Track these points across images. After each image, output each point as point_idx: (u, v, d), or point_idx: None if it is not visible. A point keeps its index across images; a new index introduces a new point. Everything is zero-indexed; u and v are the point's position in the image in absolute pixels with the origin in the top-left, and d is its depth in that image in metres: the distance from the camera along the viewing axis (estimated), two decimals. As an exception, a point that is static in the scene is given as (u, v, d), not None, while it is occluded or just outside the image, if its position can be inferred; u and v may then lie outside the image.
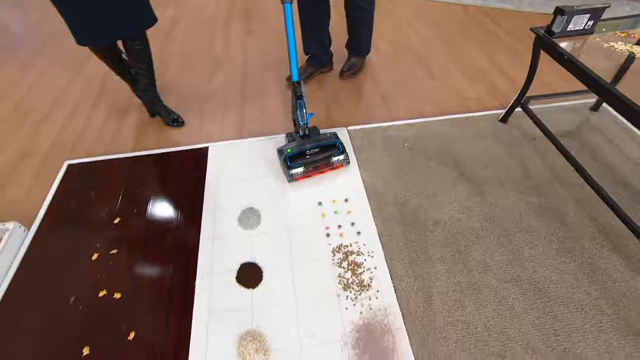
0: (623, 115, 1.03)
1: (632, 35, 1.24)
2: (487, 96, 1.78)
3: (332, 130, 1.55)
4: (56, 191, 1.47)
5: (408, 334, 1.03)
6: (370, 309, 1.08)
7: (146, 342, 1.06)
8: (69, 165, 1.57)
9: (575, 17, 1.20)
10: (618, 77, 1.14)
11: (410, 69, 1.98)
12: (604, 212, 1.25)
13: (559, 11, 1.19)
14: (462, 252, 1.20)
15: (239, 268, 1.19)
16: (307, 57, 1.95)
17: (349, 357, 1.00)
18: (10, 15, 2.90)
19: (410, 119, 1.67)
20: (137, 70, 1.58)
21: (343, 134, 1.59)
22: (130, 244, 1.28)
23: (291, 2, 1.26)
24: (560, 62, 1.20)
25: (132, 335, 1.07)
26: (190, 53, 2.23)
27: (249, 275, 1.17)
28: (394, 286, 1.13)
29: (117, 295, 1.15)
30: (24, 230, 1.34)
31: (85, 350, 1.05)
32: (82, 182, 1.51)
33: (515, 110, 1.59)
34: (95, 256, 1.25)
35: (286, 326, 1.06)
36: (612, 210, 1.15)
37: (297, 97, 1.41)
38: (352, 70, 1.96)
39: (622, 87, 1.02)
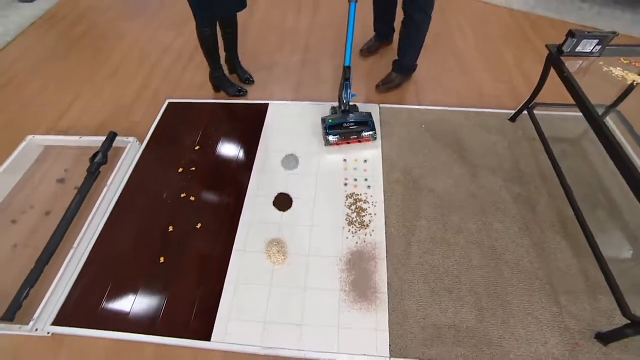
0: (599, 140, 1.09)
1: (634, 64, 1.29)
2: (506, 96, 1.86)
3: (368, 109, 1.73)
4: (159, 120, 1.81)
5: (387, 264, 1.28)
6: (364, 241, 1.34)
7: (208, 231, 1.40)
8: (169, 103, 1.90)
9: (584, 41, 1.26)
10: (616, 102, 1.21)
11: (445, 62, 2.07)
12: (568, 208, 1.37)
13: (570, 33, 1.26)
14: (445, 216, 1.40)
15: (276, 195, 1.48)
16: (375, 33, 2.10)
17: (340, 270, 1.27)
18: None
19: (432, 106, 1.81)
20: (227, 34, 1.82)
21: (375, 110, 1.77)
22: (204, 165, 1.61)
23: (356, 2, 1.40)
24: (560, 78, 1.29)
25: (199, 225, 1.41)
26: (265, 25, 2.43)
27: (282, 201, 1.46)
28: (385, 230, 1.36)
29: (192, 198, 1.49)
30: (139, 144, 1.71)
31: (170, 228, 1.40)
32: (176, 116, 1.84)
33: (524, 113, 1.68)
34: (180, 170, 1.60)
35: (302, 240, 1.35)
36: (572, 207, 1.29)
37: (345, 79, 1.58)
38: (388, 86, 1.88)
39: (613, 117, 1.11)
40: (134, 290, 1.26)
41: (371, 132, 1.60)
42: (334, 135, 1.59)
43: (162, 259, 1.32)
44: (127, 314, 1.21)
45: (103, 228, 1.42)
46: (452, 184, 1.50)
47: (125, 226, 1.43)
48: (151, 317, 1.20)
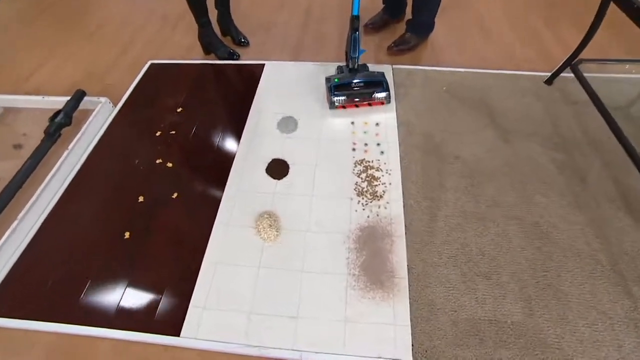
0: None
1: None
2: (538, 59, 1.56)
3: (380, 69, 1.44)
4: (139, 81, 1.53)
5: (406, 241, 0.99)
6: (377, 215, 1.05)
7: (185, 201, 1.11)
8: (151, 64, 1.61)
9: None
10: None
11: (465, 27, 1.77)
12: (630, 178, 1.08)
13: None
14: (475, 186, 1.11)
15: (270, 162, 1.19)
16: (383, 6, 1.76)
17: (348, 249, 0.98)
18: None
19: (454, 67, 1.51)
20: None
21: (387, 70, 1.48)
22: (186, 129, 1.32)
23: None
24: (630, 14, 0.99)
25: (175, 194, 1.12)
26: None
27: (277, 168, 1.17)
28: (403, 202, 1.08)
29: (170, 165, 1.21)
30: (112, 107, 1.42)
31: (140, 198, 1.12)
32: (159, 77, 1.55)
33: (562, 75, 1.39)
34: (158, 133, 1.31)
35: (299, 213, 1.06)
36: (641, 173, 0.99)
37: (353, 30, 1.29)
38: (402, 47, 1.58)
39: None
40: (89, 273, 0.97)
41: (385, 94, 1.31)
42: (339, 96, 1.30)
43: (127, 235, 1.04)
44: (77, 302, 0.92)
45: (60, 199, 1.14)
46: (482, 150, 1.21)
47: (87, 196, 1.14)
48: (108, 306, 0.91)
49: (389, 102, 1.34)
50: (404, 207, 1.06)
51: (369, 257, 0.97)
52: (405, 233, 1.01)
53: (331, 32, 1.77)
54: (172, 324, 0.88)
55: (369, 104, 1.34)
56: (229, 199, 1.10)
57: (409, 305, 0.88)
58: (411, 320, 0.86)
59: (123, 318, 0.89)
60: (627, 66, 1.35)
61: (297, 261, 0.97)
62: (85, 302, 0.92)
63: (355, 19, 1.27)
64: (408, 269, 0.94)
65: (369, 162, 1.17)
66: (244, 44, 1.71)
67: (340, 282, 0.93)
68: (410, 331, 0.84)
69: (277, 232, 1.01)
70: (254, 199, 1.10)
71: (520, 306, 0.88)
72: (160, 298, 0.92)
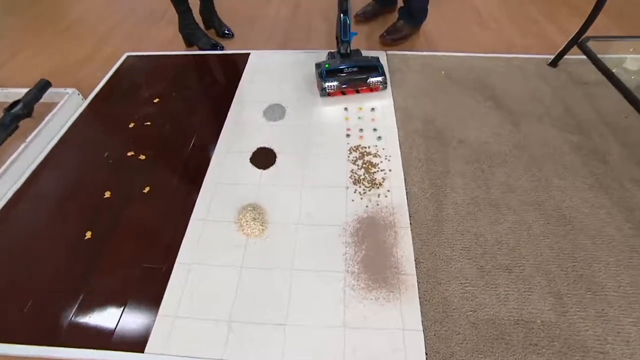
0: None
1: None
2: (539, 47, 1.46)
3: (374, 54, 1.33)
4: (113, 73, 1.39)
5: (412, 233, 0.85)
6: (378, 205, 0.91)
7: (158, 195, 0.96)
8: (128, 56, 1.48)
9: None
10: None
11: (461, 18, 1.68)
12: (656, 157, 0.97)
13: None
14: (485, 171, 0.98)
15: (255, 150, 1.05)
16: None
17: (345, 243, 0.84)
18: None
19: (451, 52, 1.41)
20: None
21: (382, 56, 1.37)
22: (162, 120, 1.18)
23: None
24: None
25: (147, 189, 0.97)
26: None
27: (263, 157, 1.03)
28: (406, 189, 0.94)
29: (142, 157, 1.06)
30: (82, 99, 1.28)
31: (107, 194, 0.97)
32: (136, 69, 1.42)
33: (566, 57, 1.29)
34: (131, 125, 1.17)
35: (288, 205, 0.92)
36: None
37: (342, 11, 1.17)
38: (395, 36, 1.46)
39: None
40: (39, 281, 0.81)
41: (380, 78, 1.19)
42: (331, 82, 1.18)
43: (88, 234, 0.88)
44: (21, 315, 0.76)
45: (13, 195, 0.98)
46: (488, 134, 1.08)
47: (44, 194, 0.99)
48: (58, 319, 0.75)
49: (385, 87, 1.22)
50: (407, 195, 0.93)
51: (370, 252, 0.82)
52: (411, 223, 0.87)
53: (320, 24, 1.66)
54: (136, 338, 0.71)
55: (364, 90, 1.21)
56: (207, 192, 0.95)
57: (419, 305, 0.73)
58: (423, 323, 0.71)
59: (76, 333, 0.73)
60: (632, 49, 1.25)
61: (286, 258, 0.82)
62: (31, 315, 0.75)
63: (343, 0, 1.16)
64: (416, 264, 0.80)
65: (365, 147, 1.04)
66: (228, 36, 1.60)
67: (337, 282, 0.78)
68: (422, 337, 0.69)
69: (262, 226, 0.87)
70: (236, 191, 0.95)
71: (550, 303, 0.73)
72: (123, 307, 0.76)
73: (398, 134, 1.08)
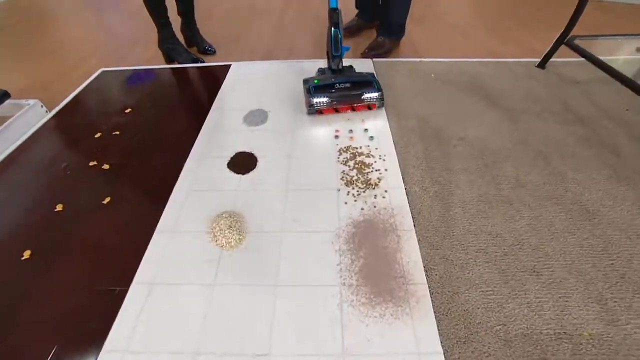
0: None
1: None
2: (522, 54, 1.42)
3: (359, 63, 1.25)
4: (85, 87, 1.28)
5: (417, 235, 0.71)
6: (375, 206, 0.77)
7: (118, 206, 0.80)
8: (103, 71, 1.38)
9: None
10: None
11: (443, 32, 1.66)
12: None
13: None
14: (490, 167, 0.86)
15: (233, 155, 0.92)
16: (357, 11, 1.63)
17: (339, 251, 0.69)
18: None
19: (439, 58, 1.35)
20: None
21: (367, 64, 1.30)
22: (132, 129, 1.05)
23: None
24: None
25: (107, 199, 0.82)
26: (234, 7, 2.03)
27: (242, 162, 0.90)
28: (406, 189, 0.81)
29: (106, 167, 0.91)
30: (46, 111, 1.15)
31: (59, 207, 0.81)
32: (110, 83, 1.31)
33: (553, 60, 1.24)
34: (98, 135, 1.03)
35: (271, 211, 0.77)
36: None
37: (333, 24, 1.03)
38: (378, 51, 1.40)
39: None
40: (-47, 311, 0.62)
41: (376, 94, 1.03)
42: (320, 97, 1.01)
43: (26, 254, 0.71)
44: None
45: (-55, 215, 0.81)
46: (488, 131, 0.98)
47: (-15, 210, 0.82)
48: (-29, 361, 0.56)
49: (381, 105, 1.05)
50: (407, 195, 0.79)
51: (370, 260, 0.67)
52: (414, 225, 0.73)
53: (304, 44, 1.60)
54: (70, 383, 0.53)
55: (358, 107, 1.05)
56: (177, 201, 0.80)
57: (435, 321, 0.57)
58: (443, 344, 0.55)
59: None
60: (620, 39, 1.22)
61: (269, 272, 0.66)
62: None
63: (334, 13, 1.03)
64: (426, 271, 0.65)
65: (356, 148, 0.92)
66: (210, 52, 1.52)
67: (332, 297, 0.61)
68: (444, 361, 0.53)
69: (239, 235, 0.71)
70: (210, 198, 0.80)
71: (594, 310, 0.58)
72: (55, 346, 0.57)
73: (392, 133, 0.97)
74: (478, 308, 0.59)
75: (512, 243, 0.69)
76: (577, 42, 1.16)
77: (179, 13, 1.46)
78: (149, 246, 0.71)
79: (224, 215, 0.75)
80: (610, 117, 1.01)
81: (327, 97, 1.01)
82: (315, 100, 1.01)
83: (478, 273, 0.64)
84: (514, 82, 1.20)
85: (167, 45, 1.41)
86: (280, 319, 0.59)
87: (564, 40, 1.17)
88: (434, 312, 0.59)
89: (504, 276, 0.64)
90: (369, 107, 1.05)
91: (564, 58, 1.28)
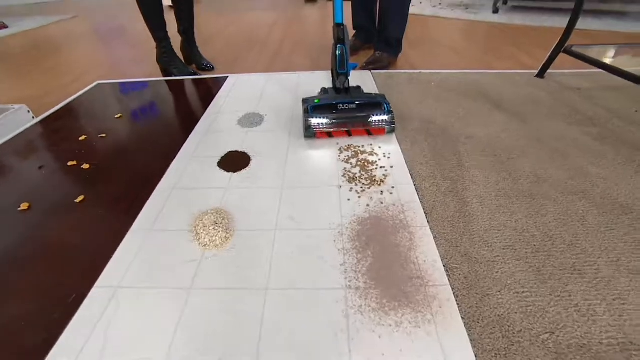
0: None
1: None
2: (515, 67, 1.39)
3: (358, 75, 1.20)
4: (78, 97, 1.21)
5: (433, 232, 0.60)
6: (382, 203, 0.66)
7: (91, 205, 0.69)
8: (98, 84, 1.33)
9: None
10: None
11: (437, 51, 1.65)
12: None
13: None
14: (505, 163, 0.77)
15: (224, 154, 0.82)
16: (354, 32, 1.62)
17: (343, 250, 0.57)
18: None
19: (437, 69, 1.31)
20: (180, 11, 1.38)
21: (366, 76, 1.25)
22: (119, 133, 0.96)
23: None
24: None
25: (80, 198, 0.71)
26: (235, 40, 2.05)
27: (234, 161, 0.80)
28: (415, 185, 0.71)
29: (85, 166, 0.81)
30: (32, 117, 1.07)
31: (23, 206, 0.69)
32: (104, 93, 1.25)
33: (550, 72, 1.21)
34: (83, 137, 0.94)
35: (263, 208, 0.66)
36: None
37: (338, 40, 0.91)
38: (376, 66, 1.36)
39: None
40: None
41: (386, 117, 0.86)
42: (319, 119, 0.85)
43: (-25, 257, 0.58)
44: None
45: None
46: (497, 130, 0.90)
47: (-60, 211, 0.70)
48: None
49: (392, 130, 0.88)
50: (417, 191, 0.69)
51: (379, 259, 0.55)
52: (429, 221, 0.62)
53: (302, 64, 1.57)
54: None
55: (362, 132, 0.88)
56: (159, 199, 0.69)
57: (465, 330, 0.45)
58: (478, 357, 0.42)
59: None
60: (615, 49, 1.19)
61: (259, 275, 0.53)
62: None
63: (339, 28, 0.91)
64: (447, 271, 0.53)
65: (358, 147, 0.83)
66: (208, 68, 1.49)
67: (336, 302, 0.49)
68: (483, 380, 0.39)
69: (226, 233, 0.60)
70: (195, 196, 0.70)
71: (657, 314, 0.46)
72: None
73: (395, 133, 0.88)
74: (515, 313, 0.47)
75: (543, 239, 0.58)
76: (575, 49, 1.13)
77: (180, 31, 1.45)
78: (120, 247, 0.59)
79: (209, 211, 0.64)
80: (620, 118, 0.94)
81: (326, 118, 0.85)
82: (313, 121, 0.85)
83: (509, 272, 0.52)
84: (515, 89, 1.15)
85: (165, 58, 1.37)
86: (271, 329, 0.46)
87: (562, 48, 1.14)
88: (462, 318, 0.46)
89: (540, 275, 0.52)
90: (368, 132, 0.88)
91: (561, 70, 1.25)
